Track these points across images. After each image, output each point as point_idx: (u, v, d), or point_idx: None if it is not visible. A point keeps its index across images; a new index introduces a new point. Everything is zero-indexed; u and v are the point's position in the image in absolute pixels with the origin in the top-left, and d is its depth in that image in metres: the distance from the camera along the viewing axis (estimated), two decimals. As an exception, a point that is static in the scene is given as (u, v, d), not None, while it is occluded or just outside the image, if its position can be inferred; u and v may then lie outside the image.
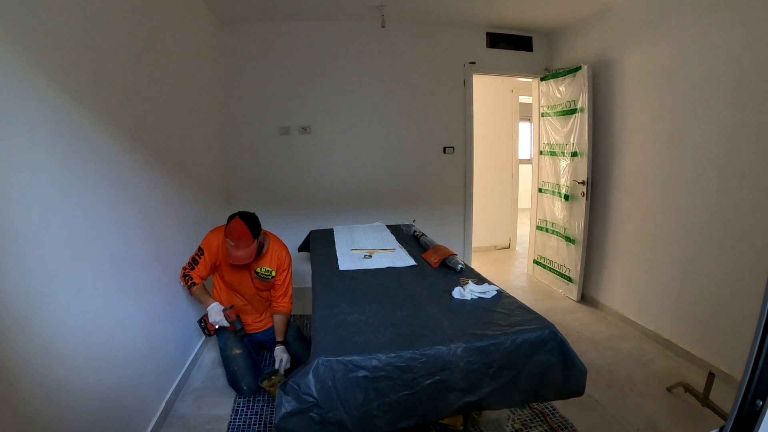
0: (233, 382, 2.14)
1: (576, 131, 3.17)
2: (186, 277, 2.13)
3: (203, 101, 2.82)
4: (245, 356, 2.17)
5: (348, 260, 2.14)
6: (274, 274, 2.26)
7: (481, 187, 4.32)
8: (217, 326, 2.12)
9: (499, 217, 4.94)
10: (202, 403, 2.08)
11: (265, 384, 2.10)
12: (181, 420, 1.94)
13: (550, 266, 3.63)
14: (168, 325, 2.10)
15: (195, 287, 2.12)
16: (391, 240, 2.54)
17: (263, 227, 2.19)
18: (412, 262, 2.10)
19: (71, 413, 1.30)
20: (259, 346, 2.42)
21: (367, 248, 2.34)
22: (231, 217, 2.07)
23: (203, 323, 2.15)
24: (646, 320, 2.73)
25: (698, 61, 2.28)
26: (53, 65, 1.26)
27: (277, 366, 2.14)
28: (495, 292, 1.66)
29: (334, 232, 2.75)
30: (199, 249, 2.16)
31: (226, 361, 2.18)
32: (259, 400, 2.09)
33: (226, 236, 2.04)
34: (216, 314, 2.08)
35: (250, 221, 2.05)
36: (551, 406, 1.99)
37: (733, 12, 2.07)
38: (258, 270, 2.23)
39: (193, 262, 2.15)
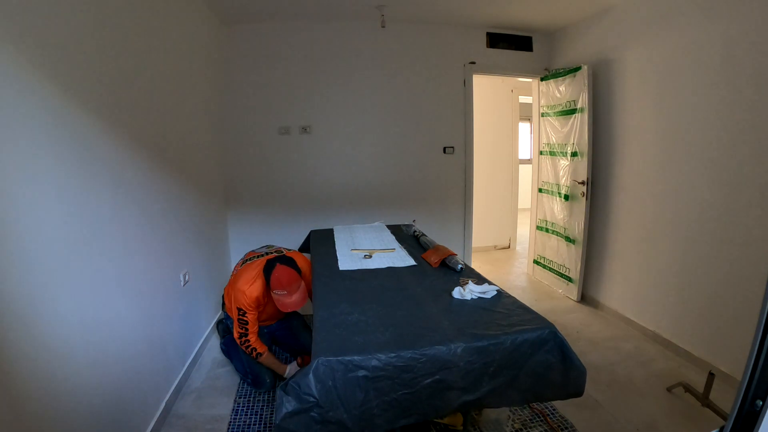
0: (255, 375, 2.13)
1: (576, 131, 3.17)
2: (249, 348, 2.06)
3: (203, 101, 2.82)
4: (268, 353, 2.18)
5: (348, 260, 2.14)
6: None
7: (481, 187, 4.32)
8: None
9: (499, 217, 4.94)
10: (202, 403, 2.08)
11: None
12: (181, 420, 1.94)
13: (550, 266, 3.63)
14: (168, 325, 2.10)
15: (262, 357, 2.08)
16: (391, 240, 2.54)
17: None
18: (412, 262, 2.09)
19: (71, 412, 1.30)
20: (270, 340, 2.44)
21: (367, 248, 2.34)
22: (268, 267, 1.97)
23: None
24: (646, 320, 2.73)
25: (698, 60, 2.28)
26: (53, 66, 1.26)
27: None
28: (495, 292, 1.66)
29: (334, 232, 2.75)
30: (239, 311, 2.02)
31: (247, 358, 2.16)
32: (259, 400, 2.09)
33: (273, 287, 1.94)
34: (295, 371, 2.06)
35: (290, 263, 1.98)
36: (551, 406, 1.99)
37: (731, 11, 2.07)
38: None
39: (242, 325, 2.03)
